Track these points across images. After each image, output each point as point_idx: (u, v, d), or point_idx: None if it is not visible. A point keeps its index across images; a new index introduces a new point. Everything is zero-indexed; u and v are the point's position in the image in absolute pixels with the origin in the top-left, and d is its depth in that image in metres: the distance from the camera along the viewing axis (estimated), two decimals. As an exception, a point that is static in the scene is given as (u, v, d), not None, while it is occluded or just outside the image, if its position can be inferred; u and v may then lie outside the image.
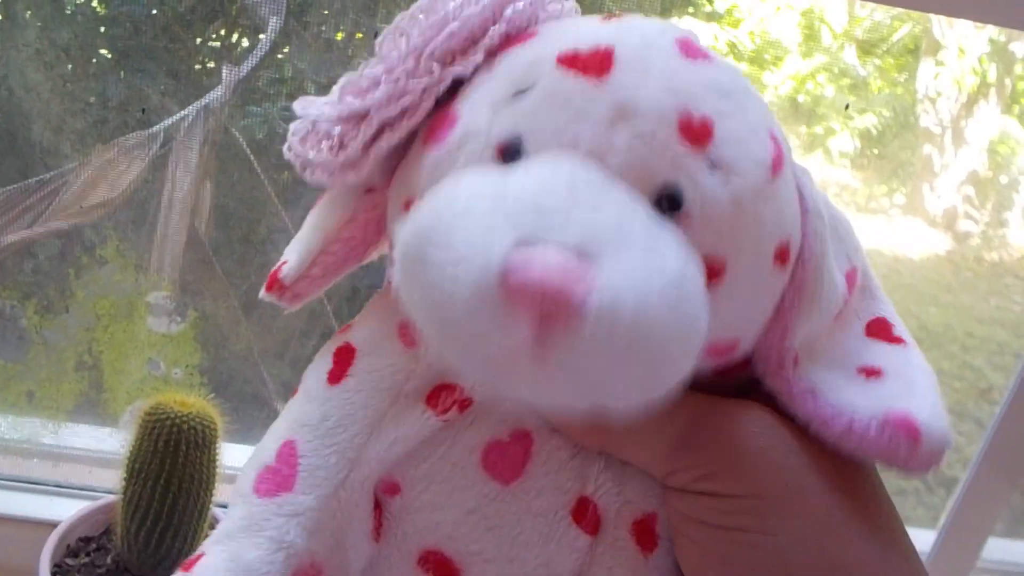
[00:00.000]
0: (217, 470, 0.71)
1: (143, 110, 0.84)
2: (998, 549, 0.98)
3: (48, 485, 0.81)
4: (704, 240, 0.29)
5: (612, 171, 0.28)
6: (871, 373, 0.34)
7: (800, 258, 0.32)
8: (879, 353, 0.35)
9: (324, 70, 0.88)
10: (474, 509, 0.33)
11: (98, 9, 0.87)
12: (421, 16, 0.32)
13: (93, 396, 0.83)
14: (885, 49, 1.13)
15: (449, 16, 0.32)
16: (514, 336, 0.25)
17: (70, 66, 0.86)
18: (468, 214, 0.26)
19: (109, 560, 0.71)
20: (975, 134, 1.19)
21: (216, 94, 0.90)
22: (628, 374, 0.26)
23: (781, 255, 0.31)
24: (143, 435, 0.68)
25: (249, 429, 0.86)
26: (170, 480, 0.67)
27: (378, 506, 0.34)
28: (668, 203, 0.29)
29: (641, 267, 0.26)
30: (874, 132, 1.16)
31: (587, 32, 0.31)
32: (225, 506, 0.78)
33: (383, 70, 0.32)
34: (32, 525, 0.76)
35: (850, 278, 0.35)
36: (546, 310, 0.24)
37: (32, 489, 0.81)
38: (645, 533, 0.33)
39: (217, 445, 0.70)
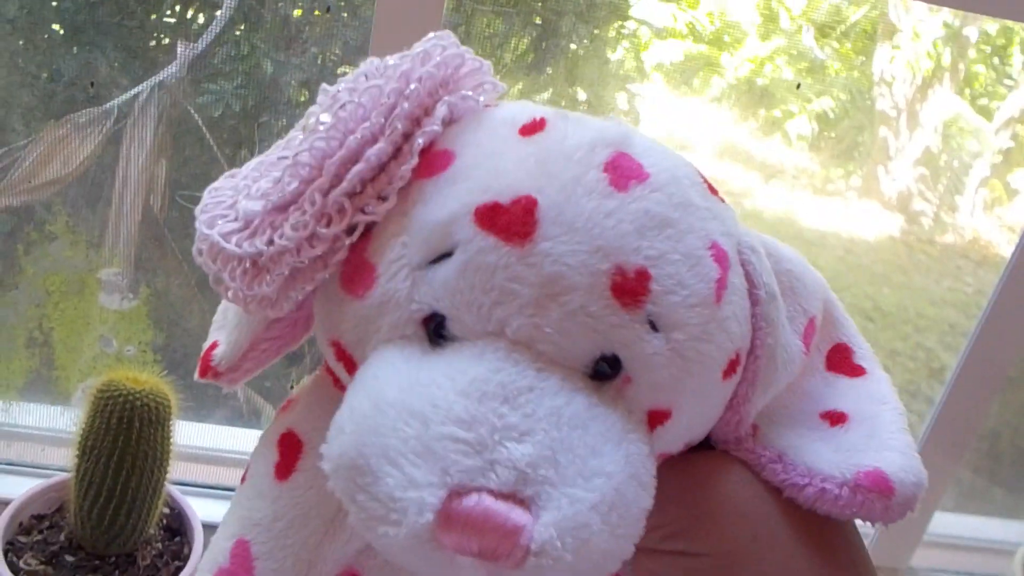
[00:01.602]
0: (171, 447, 0.71)
1: (92, 83, 0.83)
2: (944, 523, 1.00)
3: (0, 463, 0.80)
4: (647, 398, 0.28)
5: (542, 358, 0.27)
6: (835, 420, 0.33)
7: (751, 355, 0.31)
8: (841, 391, 0.35)
9: (281, 47, 0.88)
10: None
11: (49, -18, 0.85)
12: (320, 142, 0.29)
13: (45, 373, 0.82)
14: (842, 32, 1.14)
15: (356, 137, 0.29)
16: (460, 571, 0.25)
17: (20, 41, 0.85)
18: (392, 458, 0.25)
19: (62, 537, 0.70)
20: (929, 117, 1.20)
21: (171, 71, 0.89)
22: None
23: (730, 369, 0.30)
24: (95, 412, 0.68)
25: (204, 407, 0.86)
26: (123, 457, 0.67)
27: None
28: (608, 364, 0.28)
29: (576, 505, 0.25)
30: (831, 115, 1.18)
31: (507, 168, 0.28)
32: (179, 484, 0.78)
33: (289, 195, 0.29)
34: (-17, 503, 0.75)
35: (808, 332, 0.34)
36: (486, 558, 0.24)
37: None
38: None
39: (171, 422, 0.70)
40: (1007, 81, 1.20)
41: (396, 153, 0.30)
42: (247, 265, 0.29)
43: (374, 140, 0.29)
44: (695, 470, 0.32)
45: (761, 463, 0.32)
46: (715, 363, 0.29)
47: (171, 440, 0.71)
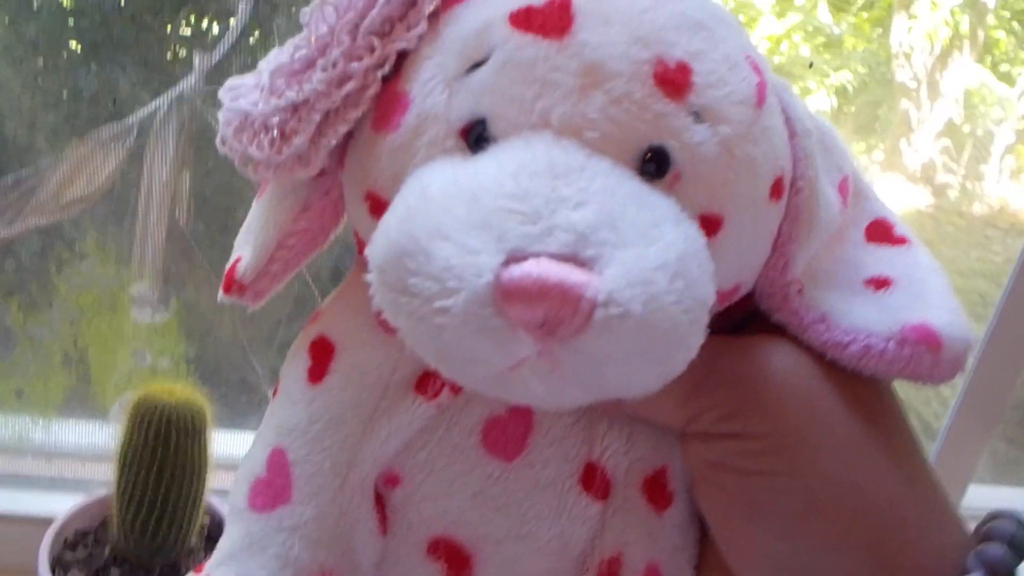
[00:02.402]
0: (209, 457, 0.71)
1: (114, 100, 0.84)
2: (979, 496, 0.99)
3: (42, 481, 0.81)
4: (698, 198, 0.28)
5: (590, 146, 0.27)
6: (879, 284, 0.32)
7: (793, 187, 0.31)
8: (884, 259, 0.33)
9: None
10: (479, 492, 0.32)
11: (64, 2, 0.86)
12: None
13: (82, 390, 0.84)
14: (859, 6, 1.13)
15: None
16: (517, 355, 0.24)
17: (40, 61, 0.85)
18: (445, 233, 0.24)
19: (107, 551, 0.71)
20: (950, 87, 1.19)
21: (189, 82, 0.90)
22: (641, 369, 0.25)
23: (776, 190, 0.30)
24: (133, 427, 0.69)
25: (239, 415, 0.87)
26: (162, 470, 0.68)
27: (380, 499, 0.33)
28: (656, 166, 0.27)
29: (641, 262, 0.24)
30: (850, 89, 1.16)
31: None
32: (220, 492, 0.79)
33: (316, 49, 0.29)
34: (28, 522, 0.77)
35: (843, 189, 0.33)
36: (549, 327, 0.23)
37: (26, 486, 0.81)
38: (657, 490, 0.33)
39: (207, 432, 0.71)
40: (1029, 46, 1.18)
41: None
42: (274, 134, 0.29)
43: None
44: (746, 350, 0.31)
45: (804, 324, 0.31)
46: (762, 172, 0.29)
47: (209, 450, 0.71)
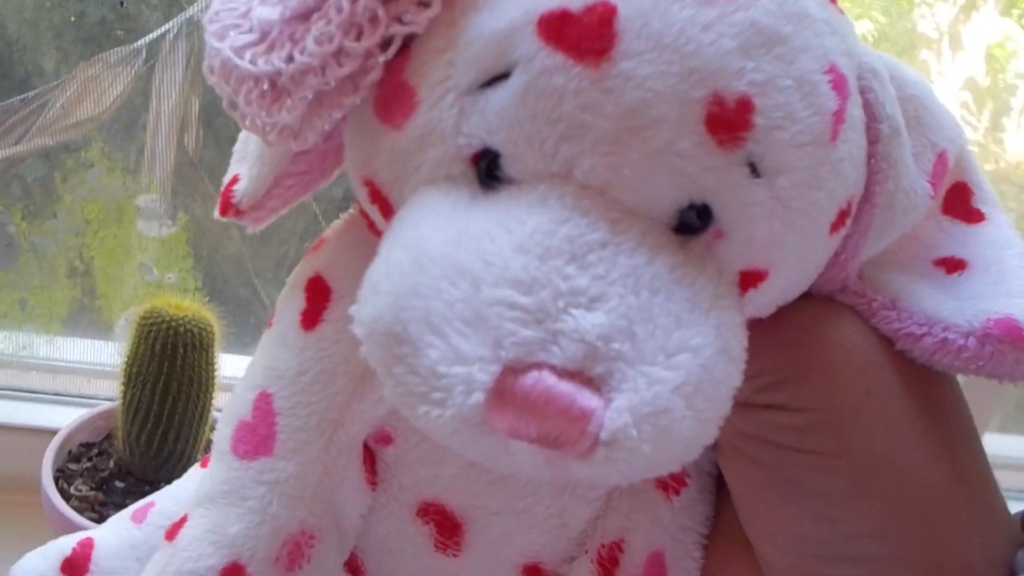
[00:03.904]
0: (216, 373, 0.71)
1: (122, 3, 0.82)
2: (992, 444, 0.99)
3: (47, 395, 0.81)
4: (741, 255, 0.24)
5: (619, 207, 0.23)
6: (952, 266, 0.29)
7: (867, 202, 0.27)
8: (957, 238, 0.30)
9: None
10: (475, 463, 0.30)
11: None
12: None
13: (87, 303, 0.83)
14: (882, -49, 1.10)
15: None
16: (511, 461, 0.22)
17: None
18: (436, 326, 0.21)
19: (111, 464, 0.71)
20: (973, 39, 1.17)
21: (200, 6, 0.88)
22: (650, 472, 0.23)
23: (840, 219, 0.26)
24: (140, 340, 0.68)
25: (246, 335, 0.86)
26: (169, 383, 0.67)
27: (371, 454, 0.32)
28: (696, 214, 0.24)
29: (657, 386, 0.21)
30: (870, 39, 1.14)
31: None
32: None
33: None
34: (32, 433, 0.76)
35: (938, 169, 0.29)
36: (547, 447, 0.21)
37: (31, 398, 0.81)
38: (670, 473, 0.31)
39: (214, 348, 0.70)
40: (1059, -5, 1.16)
41: None
42: (264, 87, 0.25)
43: None
44: (798, 314, 0.27)
45: (871, 309, 0.28)
46: (824, 214, 0.25)
47: (216, 365, 0.70)
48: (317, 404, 0.30)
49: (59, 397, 0.81)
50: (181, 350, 0.67)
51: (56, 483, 0.67)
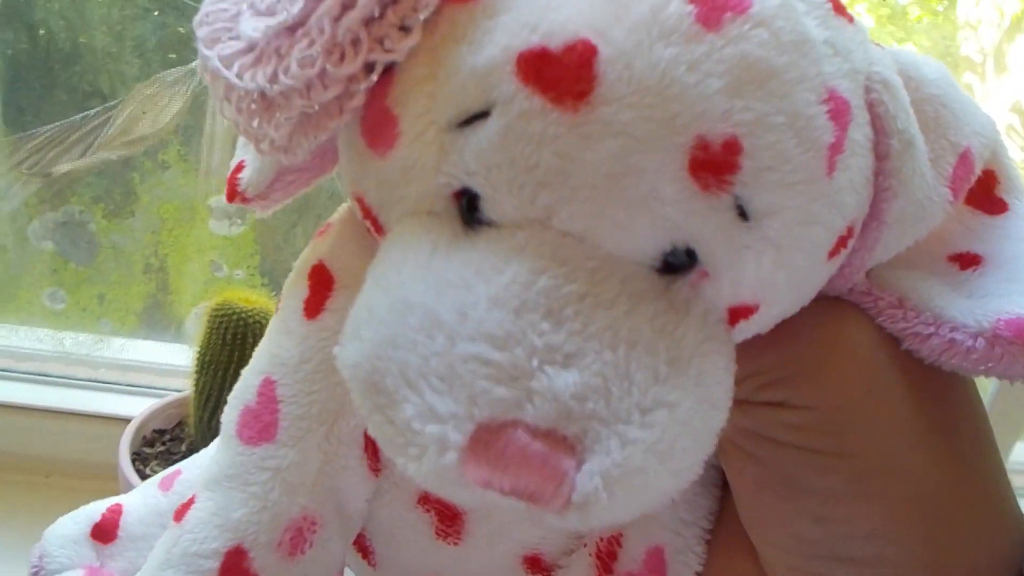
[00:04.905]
0: (281, 362, 0.74)
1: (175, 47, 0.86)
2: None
3: (121, 387, 0.85)
4: (728, 293, 0.24)
5: (598, 256, 0.22)
6: (967, 261, 0.28)
7: (874, 219, 0.25)
8: (976, 231, 0.29)
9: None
10: None
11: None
12: None
13: (160, 298, 0.87)
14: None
15: None
16: (493, 501, 0.22)
17: (114, 10, 0.88)
18: (411, 380, 0.21)
19: (184, 448, 0.74)
20: (1018, 61, 1.17)
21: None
22: (626, 520, 0.23)
23: (840, 244, 0.25)
24: (211, 329, 0.71)
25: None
26: (238, 370, 0.69)
27: (373, 441, 0.31)
28: (681, 256, 0.23)
29: (631, 448, 0.21)
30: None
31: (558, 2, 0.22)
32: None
33: (298, 15, 0.24)
34: (108, 421, 0.80)
35: (960, 170, 0.27)
36: (522, 500, 0.21)
37: (106, 389, 0.85)
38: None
39: (280, 338, 0.73)
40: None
41: None
42: (254, 100, 0.24)
43: None
44: (801, 312, 0.26)
45: (877, 307, 0.27)
46: (819, 248, 0.24)
47: (281, 355, 0.74)
48: (318, 393, 0.30)
49: (132, 388, 0.85)
50: (250, 339, 0.71)
51: (132, 464, 0.71)
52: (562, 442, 0.21)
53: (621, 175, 0.21)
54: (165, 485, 0.44)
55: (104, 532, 0.42)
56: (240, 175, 0.31)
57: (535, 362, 0.21)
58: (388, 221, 0.26)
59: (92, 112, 0.87)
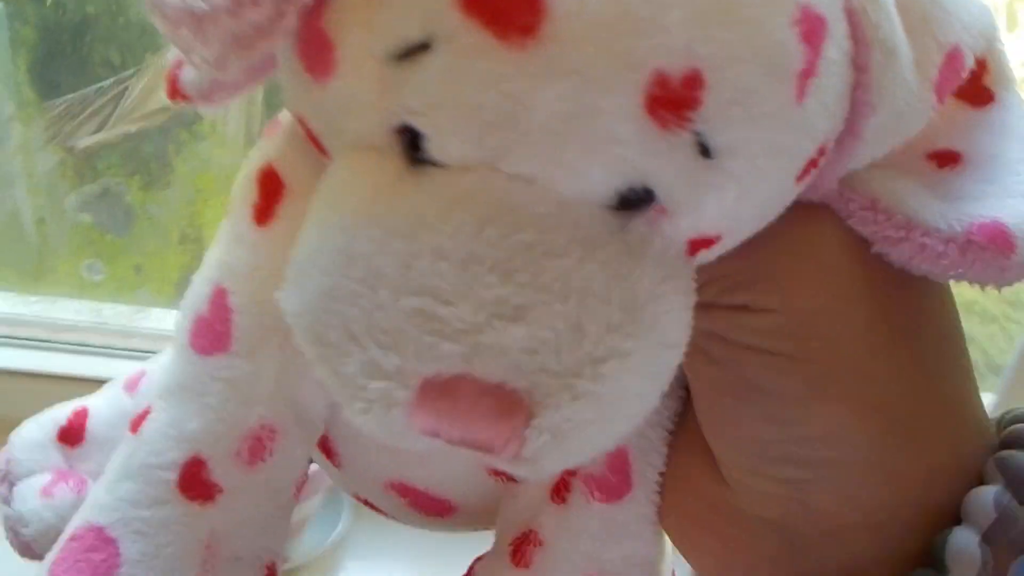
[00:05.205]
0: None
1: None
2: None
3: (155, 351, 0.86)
4: (688, 228, 0.22)
5: (549, 200, 0.21)
6: (945, 160, 0.27)
7: (849, 133, 0.23)
8: (958, 125, 0.27)
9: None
10: None
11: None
12: None
13: (197, 268, 0.87)
14: None
15: None
16: (444, 446, 0.21)
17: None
18: (356, 335, 0.21)
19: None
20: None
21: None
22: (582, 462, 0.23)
23: (810, 166, 0.23)
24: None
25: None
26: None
27: None
28: (639, 192, 0.21)
29: (585, 394, 0.21)
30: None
31: None
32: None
33: None
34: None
35: (946, 72, 0.25)
36: (473, 449, 0.21)
37: (145, 359, 0.85)
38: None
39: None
40: None
41: None
42: (185, 15, 0.22)
43: None
44: None
45: (848, 210, 0.26)
46: (787, 175, 0.23)
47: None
48: (269, 303, 0.27)
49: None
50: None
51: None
52: (511, 396, 0.20)
53: (573, 117, 0.20)
54: (130, 387, 0.44)
55: (71, 435, 0.42)
56: (181, 76, 0.28)
57: (483, 316, 0.20)
58: (331, 148, 0.24)
59: (106, 84, 0.87)
